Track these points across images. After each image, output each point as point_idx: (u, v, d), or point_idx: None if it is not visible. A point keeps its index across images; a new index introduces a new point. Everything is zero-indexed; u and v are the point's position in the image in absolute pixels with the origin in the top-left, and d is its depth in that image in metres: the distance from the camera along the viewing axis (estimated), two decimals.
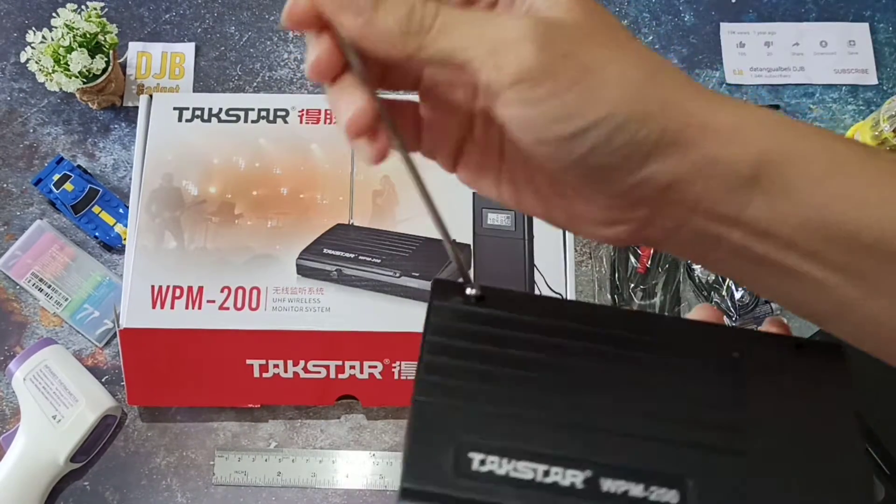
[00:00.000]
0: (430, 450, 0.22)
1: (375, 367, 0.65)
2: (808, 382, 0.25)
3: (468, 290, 0.26)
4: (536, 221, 0.68)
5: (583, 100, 0.22)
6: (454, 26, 0.22)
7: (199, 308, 0.66)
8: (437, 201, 0.25)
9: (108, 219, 0.72)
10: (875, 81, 0.78)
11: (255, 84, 0.78)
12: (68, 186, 0.72)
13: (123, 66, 0.77)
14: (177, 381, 0.65)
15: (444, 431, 0.22)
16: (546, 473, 0.21)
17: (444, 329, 0.25)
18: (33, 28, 0.70)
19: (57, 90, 0.70)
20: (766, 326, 0.28)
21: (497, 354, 0.24)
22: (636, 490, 0.21)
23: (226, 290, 0.66)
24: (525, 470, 0.21)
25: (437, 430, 0.22)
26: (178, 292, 0.66)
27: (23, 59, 0.69)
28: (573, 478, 0.21)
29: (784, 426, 0.23)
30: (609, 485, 0.21)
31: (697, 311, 0.29)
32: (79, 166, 0.73)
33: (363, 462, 0.67)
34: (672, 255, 0.27)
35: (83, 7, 0.70)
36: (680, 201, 0.23)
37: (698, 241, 0.25)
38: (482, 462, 0.21)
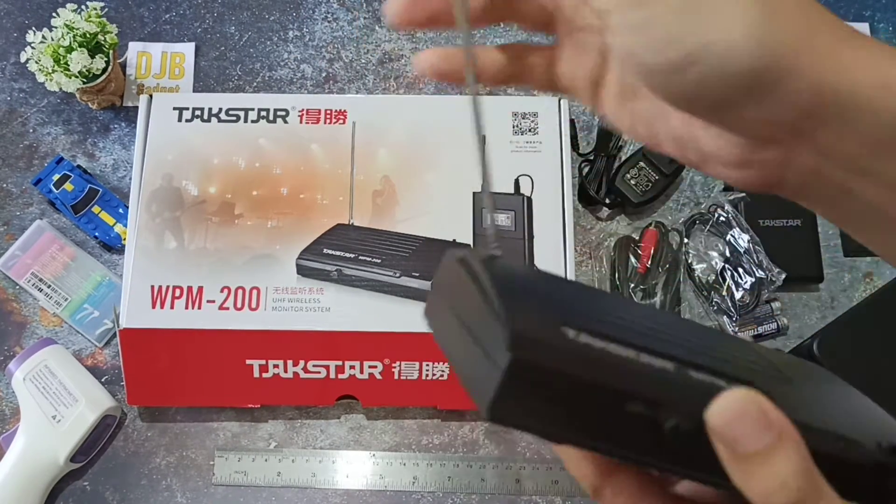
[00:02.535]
0: (526, 306, 0.21)
1: (375, 367, 0.65)
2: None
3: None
4: (536, 221, 0.68)
5: (687, 25, 0.21)
6: None
7: (199, 308, 0.66)
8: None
9: (107, 219, 0.72)
10: None
11: (255, 84, 0.78)
12: (68, 186, 0.72)
13: (123, 66, 0.77)
14: (177, 381, 0.65)
15: (531, 301, 0.21)
16: (639, 355, 0.21)
17: (492, 264, 0.23)
18: (33, 28, 0.70)
19: (57, 90, 0.70)
20: None
21: (546, 277, 0.24)
22: (720, 383, 0.21)
23: (226, 290, 0.66)
24: (620, 350, 0.20)
25: (522, 297, 0.21)
26: (178, 292, 0.66)
27: (23, 59, 0.69)
28: (664, 364, 0.21)
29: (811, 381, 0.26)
30: (696, 375, 0.21)
31: None
32: (79, 166, 0.73)
33: (363, 462, 0.67)
34: (808, 208, 0.26)
35: (83, 7, 0.70)
36: (811, 146, 0.22)
37: (832, 194, 0.23)
38: (577, 335, 0.20)
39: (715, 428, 0.19)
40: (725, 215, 0.69)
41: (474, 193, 0.69)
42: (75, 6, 0.70)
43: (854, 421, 0.24)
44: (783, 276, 0.67)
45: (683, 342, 0.23)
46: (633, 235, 0.72)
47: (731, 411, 0.19)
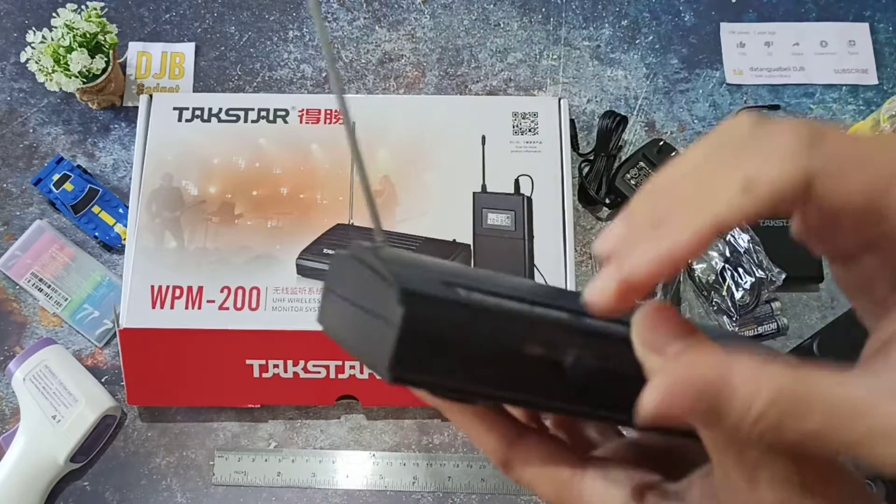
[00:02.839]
0: (415, 272, 0.21)
1: None
2: None
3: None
4: (536, 221, 0.68)
5: None
6: None
7: (199, 308, 0.66)
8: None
9: (107, 219, 0.72)
10: (875, 81, 0.78)
11: (255, 84, 0.78)
12: (68, 186, 0.72)
13: (123, 66, 0.77)
14: (177, 381, 0.65)
15: (421, 269, 0.22)
16: (532, 309, 0.21)
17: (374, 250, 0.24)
18: (33, 28, 0.70)
19: (57, 90, 0.70)
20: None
21: (444, 262, 0.24)
22: (617, 328, 0.21)
23: (226, 290, 0.66)
24: (512, 304, 0.21)
25: (412, 267, 0.22)
26: (178, 292, 0.66)
27: (23, 59, 0.69)
28: (558, 314, 0.21)
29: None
30: (591, 322, 0.21)
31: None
32: (79, 166, 0.73)
33: (363, 462, 0.67)
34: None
35: (83, 7, 0.70)
36: None
37: None
38: (469, 294, 0.21)
39: (640, 335, 0.20)
40: None
41: (474, 193, 0.69)
42: (75, 6, 0.70)
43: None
44: (783, 276, 0.67)
45: (573, 303, 0.23)
46: None
47: (650, 317, 0.20)
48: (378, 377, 0.21)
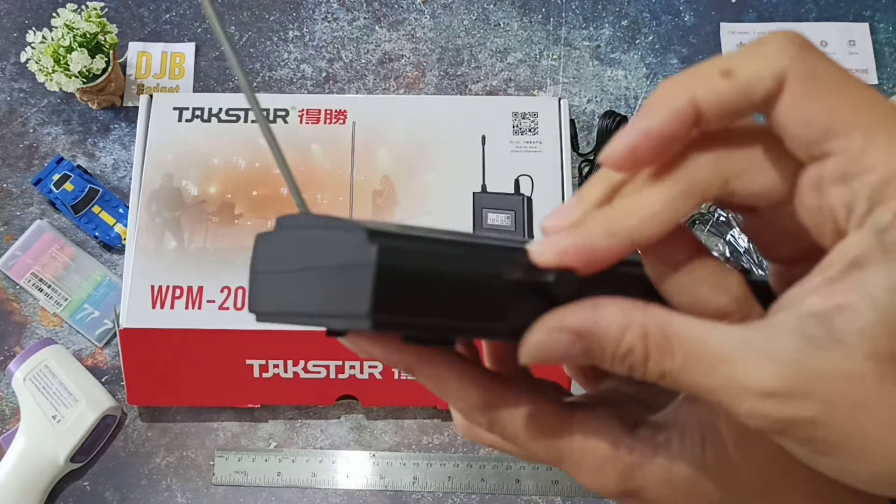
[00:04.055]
0: (375, 223, 0.21)
1: (375, 366, 0.65)
2: None
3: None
4: (536, 221, 0.68)
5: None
6: None
7: (199, 308, 0.66)
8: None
9: (107, 219, 0.72)
10: (875, 81, 0.78)
11: (255, 84, 0.78)
12: (68, 186, 0.72)
13: (123, 66, 0.77)
14: (177, 381, 0.65)
15: (381, 224, 0.21)
16: (494, 240, 0.21)
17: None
18: (33, 28, 0.70)
19: (57, 90, 0.70)
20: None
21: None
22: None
23: (226, 290, 0.66)
24: (475, 238, 0.21)
25: (373, 223, 0.21)
26: (178, 292, 0.66)
27: (23, 59, 0.69)
28: (522, 244, 0.21)
29: None
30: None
31: None
32: (79, 166, 0.73)
33: (363, 462, 0.67)
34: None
35: (83, 7, 0.70)
36: None
37: None
38: (428, 231, 0.21)
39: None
40: (725, 215, 0.69)
41: (474, 193, 0.69)
42: (75, 6, 0.70)
43: None
44: None
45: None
46: None
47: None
48: (357, 329, 0.21)
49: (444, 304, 0.20)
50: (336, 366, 0.65)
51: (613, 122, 0.73)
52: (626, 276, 0.21)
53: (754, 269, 0.67)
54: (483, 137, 0.71)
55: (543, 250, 0.20)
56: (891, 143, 0.18)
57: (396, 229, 0.20)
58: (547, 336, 0.20)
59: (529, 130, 0.71)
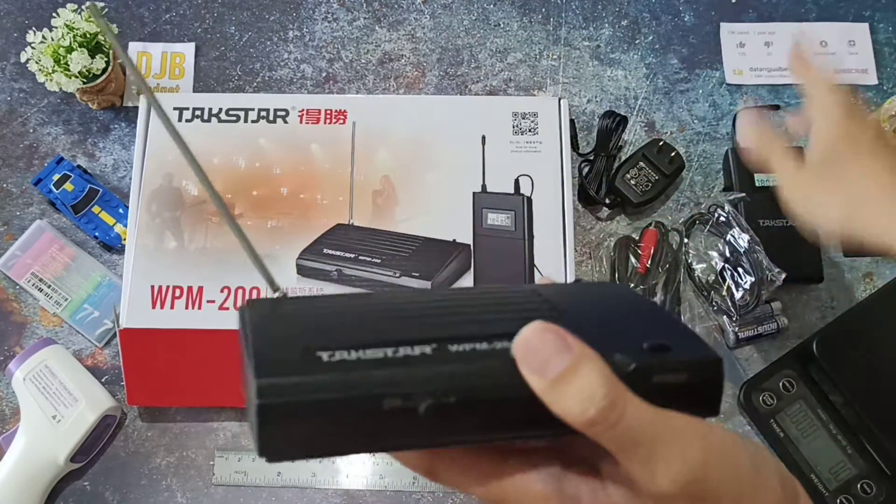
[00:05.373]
0: (278, 351, 0.22)
1: None
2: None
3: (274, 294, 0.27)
4: (536, 221, 0.68)
5: None
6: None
7: (199, 308, 0.66)
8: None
9: (107, 219, 0.72)
10: (875, 81, 0.78)
11: (255, 84, 0.78)
12: (68, 186, 0.72)
13: (123, 67, 0.77)
14: (177, 381, 0.65)
15: (286, 341, 0.23)
16: (395, 351, 0.22)
17: (262, 311, 0.25)
18: (33, 28, 0.70)
19: (57, 90, 0.70)
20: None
21: (315, 305, 0.26)
22: (482, 346, 0.23)
23: (226, 290, 0.66)
24: (375, 353, 0.22)
25: (278, 342, 0.23)
26: (178, 292, 0.66)
27: (23, 59, 0.69)
28: (422, 349, 0.22)
29: (592, 304, 0.28)
30: (456, 347, 0.23)
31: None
32: (79, 166, 0.73)
33: (363, 462, 0.67)
34: None
35: (83, 7, 0.70)
36: None
37: None
38: (331, 356, 0.22)
39: (522, 359, 0.22)
40: (725, 215, 0.69)
41: (474, 193, 0.69)
42: (75, 6, 0.70)
43: (623, 331, 0.25)
44: (783, 276, 0.67)
45: (451, 316, 0.25)
46: (633, 235, 0.72)
47: (533, 340, 0.22)
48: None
49: (331, 440, 0.22)
50: None
51: (613, 121, 0.73)
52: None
53: (754, 270, 0.67)
54: (483, 137, 0.71)
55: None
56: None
57: (294, 357, 0.22)
58: (544, 332, 0.23)
59: (529, 130, 0.71)
